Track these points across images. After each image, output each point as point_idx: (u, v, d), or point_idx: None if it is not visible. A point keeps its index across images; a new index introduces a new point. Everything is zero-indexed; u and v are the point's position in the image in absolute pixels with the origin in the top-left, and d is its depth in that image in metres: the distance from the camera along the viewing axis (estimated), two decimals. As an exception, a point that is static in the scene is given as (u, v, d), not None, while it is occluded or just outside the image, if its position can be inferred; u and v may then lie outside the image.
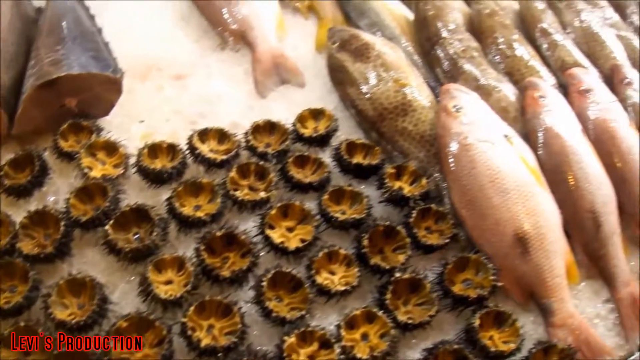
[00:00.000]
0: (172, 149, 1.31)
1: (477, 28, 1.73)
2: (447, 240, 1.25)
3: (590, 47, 1.75)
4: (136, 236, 1.18)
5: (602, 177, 1.39)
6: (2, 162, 1.27)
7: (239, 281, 1.16)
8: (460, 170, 1.31)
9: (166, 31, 1.67)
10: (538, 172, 1.35)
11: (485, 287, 1.19)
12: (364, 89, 1.48)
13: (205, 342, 1.06)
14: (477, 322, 1.14)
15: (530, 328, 1.24)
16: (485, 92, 1.50)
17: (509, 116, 1.48)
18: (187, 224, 1.22)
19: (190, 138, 1.33)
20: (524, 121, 1.47)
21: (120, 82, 1.39)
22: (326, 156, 1.38)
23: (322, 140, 1.42)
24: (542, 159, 1.39)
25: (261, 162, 1.31)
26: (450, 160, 1.33)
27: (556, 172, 1.38)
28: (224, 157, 1.32)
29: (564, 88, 1.60)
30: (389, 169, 1.32)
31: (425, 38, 1.69)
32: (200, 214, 1.22)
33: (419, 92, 1.47)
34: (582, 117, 1.50)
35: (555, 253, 1.26)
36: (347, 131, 1.47)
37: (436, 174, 1.37)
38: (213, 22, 1.68)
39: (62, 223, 1.16)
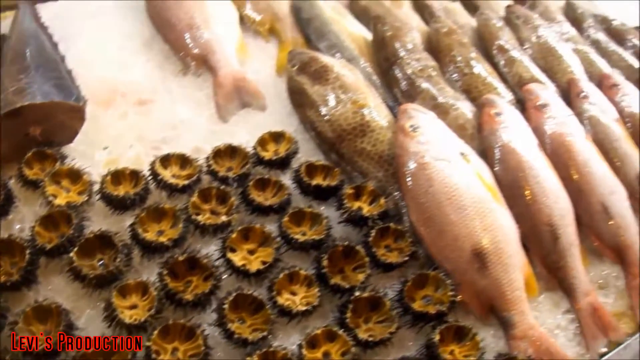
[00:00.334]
0: (134, 175, 1.32)
1: (435, 47, 1.76)
2: (406, 258, 1.27)
3: (548, 62, 1.79)
4: (100, 262, 1.19)
5: (559, 190, 1.41)
6: (-34, 192, 1.27)
7: (201, 304, 1.17)
8: (418, 188, 1.33)
9: (129, 57, 1.68)
10: (495, 189, 1.37)
11: (445, 303, 1.21)
12: (323, 111, 1.50)
13: (170, 365, 1.07)
14: (437, 337, 1.16)
15: (491, 341, 1.25)
16: (442, 111, 1.53)
17: (467, 133, 1.50)
18: (150, 249, 1.23)
19: (153, 164, 1.34)
20: (481, 138, 1.50)
21: (84, 110, 1.40)
22: (287, 178, 1.40)
23: (282, 163, 1.43)
24: (499, 175, 1.42)
25: (222, 187, 1.32)
26: (408, 179, 1.35)
27: (513, 187, 1.40)
28: (186, 182, 1.33)
29: (522, 104, 1.63)
30: (347, 190, 1.34)
31: (383, 58, 1.71)
32: (163, 239, 1.23)
33: (377, 112, 1.49)
34: (539, 131, 1.53)
35: (514, 267, 1.28)
36: (308, 153, 1.49)
37: (395, 193, 1.38)
38: (175, 48, 1.69)
39: (28, 251, 1.17)
